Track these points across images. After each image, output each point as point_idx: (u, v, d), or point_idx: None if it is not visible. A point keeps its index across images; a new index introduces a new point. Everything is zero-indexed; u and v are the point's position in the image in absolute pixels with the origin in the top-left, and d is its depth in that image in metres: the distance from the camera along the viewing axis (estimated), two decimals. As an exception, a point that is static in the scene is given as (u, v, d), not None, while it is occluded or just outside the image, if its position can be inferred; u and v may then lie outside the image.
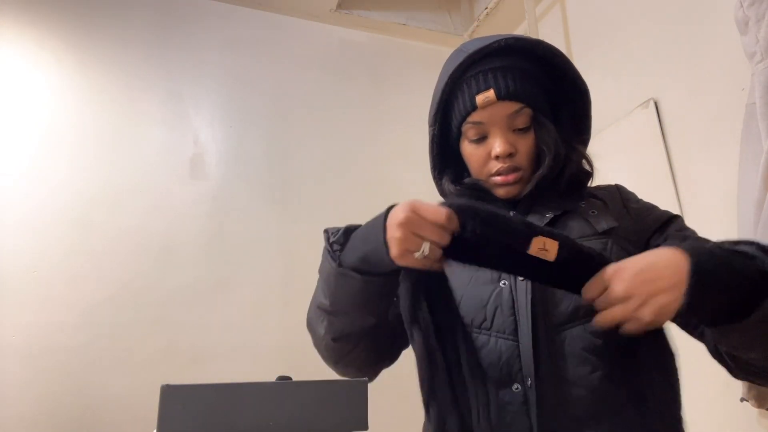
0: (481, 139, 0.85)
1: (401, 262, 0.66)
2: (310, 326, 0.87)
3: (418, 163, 2.60)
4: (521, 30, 2.46)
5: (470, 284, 0.81)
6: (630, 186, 0.95)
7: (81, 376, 1.90)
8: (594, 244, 0.78)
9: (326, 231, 0.80)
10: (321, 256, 0.82)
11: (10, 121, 2.05)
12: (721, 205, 1.49)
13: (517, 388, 0.73)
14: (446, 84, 0.87)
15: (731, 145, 1.41)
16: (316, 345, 0.89)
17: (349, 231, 0.78)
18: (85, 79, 2.20)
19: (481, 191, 0.88)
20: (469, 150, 0.87)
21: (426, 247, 0.64)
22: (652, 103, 1.77)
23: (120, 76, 2.25)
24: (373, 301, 0.77)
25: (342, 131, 2.54)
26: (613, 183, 0.95)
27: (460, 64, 0.85)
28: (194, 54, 2.40)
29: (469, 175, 0.90)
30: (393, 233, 0.65)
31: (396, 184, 2.50)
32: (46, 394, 1.84)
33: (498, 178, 0.85)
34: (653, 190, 0.95)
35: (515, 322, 0.76)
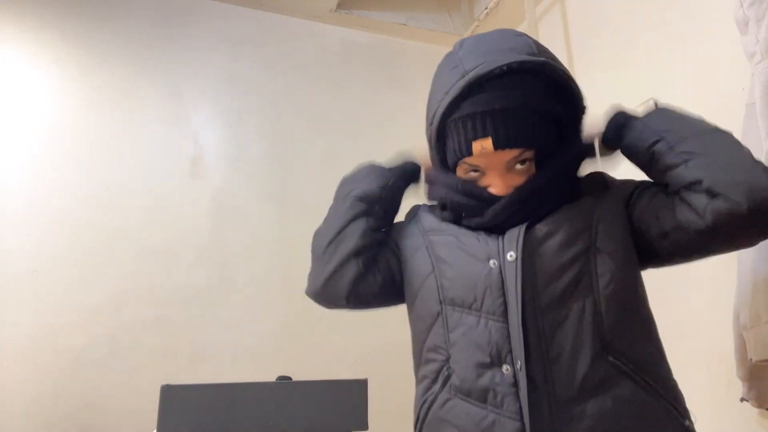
0: (480, 173, 0.84)
1: None
2: (319, 262, 0.93)
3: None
4: (521, 30, 2.45)
5: (461, 262, 0.81)
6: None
7: (81, 376, 1.90)
8: (584, 237, 0.79)
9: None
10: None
11: (10, 121, 2.05)
12: (721, 205, 1.48)
13: (507, 370, 0.74)
14: (443, 114, 0.82)
15: (731, 145, 1.40)
16: (323, 278, 0.92)
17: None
18: (85, 79, 2.20)
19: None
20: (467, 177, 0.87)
21: None
22: (652, 103, 1.77)
23: (120, 76, 2.25)
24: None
25: (342, 131, 2.54)
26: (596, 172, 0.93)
27: (458, 94, 0.80)
28: (194, 54, 2.40)
29: None
30: None
31: (396, 184, 2.50)
32: (45, 394, 1.84)
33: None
34: (653, 190, 0.95)
35: (504, 303, 0.76)
